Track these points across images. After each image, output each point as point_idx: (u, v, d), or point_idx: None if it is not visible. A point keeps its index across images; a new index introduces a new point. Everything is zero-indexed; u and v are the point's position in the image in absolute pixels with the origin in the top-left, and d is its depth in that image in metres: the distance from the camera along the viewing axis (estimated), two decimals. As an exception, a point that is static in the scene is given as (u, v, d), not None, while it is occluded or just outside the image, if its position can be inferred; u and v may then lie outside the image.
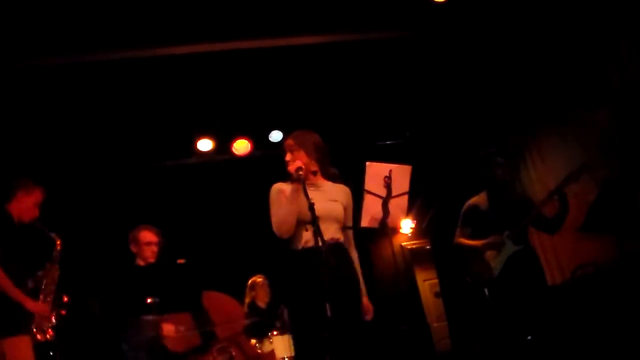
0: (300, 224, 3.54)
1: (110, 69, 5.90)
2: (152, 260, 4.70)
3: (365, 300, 3.73)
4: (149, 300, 4.28)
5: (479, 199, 5.17)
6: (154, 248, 4.73)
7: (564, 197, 4.78)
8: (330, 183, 3.81)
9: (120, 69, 5.92)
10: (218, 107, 6.93)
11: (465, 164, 5.93)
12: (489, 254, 4.91)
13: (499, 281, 4.84)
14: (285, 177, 3.76)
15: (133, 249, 4.76)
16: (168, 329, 4.38)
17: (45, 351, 4.33)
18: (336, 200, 3.72)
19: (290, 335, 6.16)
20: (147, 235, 4.74)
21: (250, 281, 6.91)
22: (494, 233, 4.91)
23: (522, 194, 5.23)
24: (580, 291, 4.89)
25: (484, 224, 5.01)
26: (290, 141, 3.76)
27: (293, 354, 6.04)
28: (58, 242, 4.50)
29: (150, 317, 4.33)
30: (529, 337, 4.66)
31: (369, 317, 3.69)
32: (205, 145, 7.39)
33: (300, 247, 3.57)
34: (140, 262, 4.72)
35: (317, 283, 3.18)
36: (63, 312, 4.13)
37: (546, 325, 4.68)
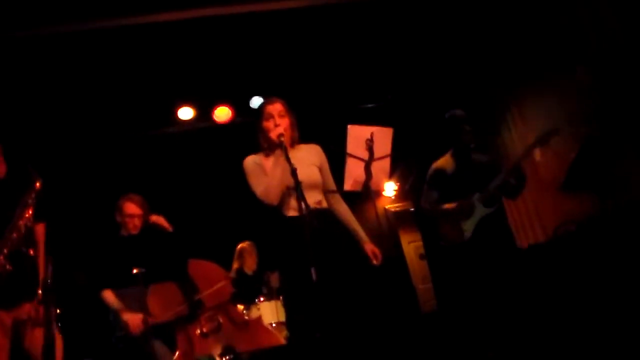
0: (284, 190, 3.53)
1: (87, 39, 5.81)
2: (134, 232, 4.66)
3: (368, 246, 3.74)
4: (135, 271, 4.27)
5: (444, 163, 5.15)
6: (137, 221, 4.68)
7: (519, 171, 4.82)
8: (300, 146, 3.78)
9: (97, 38, 5.83)
10: (197, 75, 6.87)
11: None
12: (460, 217, 4.93)
13: (471, 244, 4.88)
14: (256, 148, 3.75)
15: (117, 218, 4.73)
16: (134, 324, 4.36)
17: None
18: (311, 165, 3.71)
19: (277, 301, 6.21)
20: (130, 207, 4.70)
21: (238, 248, 6.93)
22: (461, 196, 4.93)
23: (488, 157, 5.22)
24: (563, 249, 4.94)
25: (450, 188, 5.02)
26: (279, 106, 3.69)
27: (280, 320, 6.10)
28: (37, 184, 3.77)
29: (135, 288, 4.34)
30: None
31: (376, 261, 3.70)
32: (186, 113, 7.35)
33: (285, 212, 3.58)
34: (124, 233, 4.70)
35: (304, 249, 3.18)
36: (9, 267, 3.73)
37: (524, 286, 4.73)
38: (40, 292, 3.65)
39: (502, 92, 7.08)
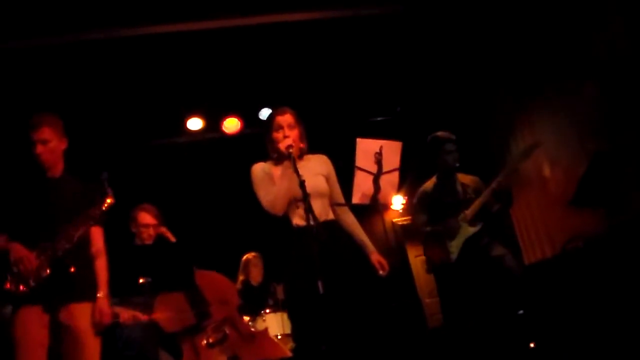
0: (291, 202, 3.54)
1: (98, 49, 5.85)
2: (148, 242, 4.69)
3: (375, 256, 3.73)
4: (141, 280, 4.27)
5: (430, 185, 5.21)
6: (151, 231, 4.72)
7: (504, 191, 4.84)
8: (308, 157, 3.80)
9: (109, 48, 5.87)
10: (207, 86, 6.90)
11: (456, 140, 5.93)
12: (446, 238, 4.94)
13: (458, 264, 4.88)
14: (265, 156, 3.76)
15: (132, 228, 4.75)
16: (125, 316, 4.38)
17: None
18: (318, 174, 3.72)
19: (283, 313, 6.19)
20: (146, 217, 4.73)
21: (243, 259, 6.92)
22: (447, 218, 4.94)
23: (474, 177, 5.25)
24: (571, 264, 4.92)
25: (437, 210, 5.04)
26: (289, 117, 3.69)
27: (286, 331, 6.08)
28: (108, 201, 3.68)
29: (141, 298, 4.34)
30: (520, 312, 4.70)
31: (383, 272, 3.69)
32: (195, 124, 7.37)
33: (292, 225, 3.57)
34: (138, 242, 4.72)
35: (310, 261, 3.19)
36: (48, 271, 3.38)
37: (531, 301, 4.72)
38: (99, 295, 3.61)
39: (511, 106, 7.07)
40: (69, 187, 3.74)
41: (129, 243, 4.74)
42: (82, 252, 3.62)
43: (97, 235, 3.77)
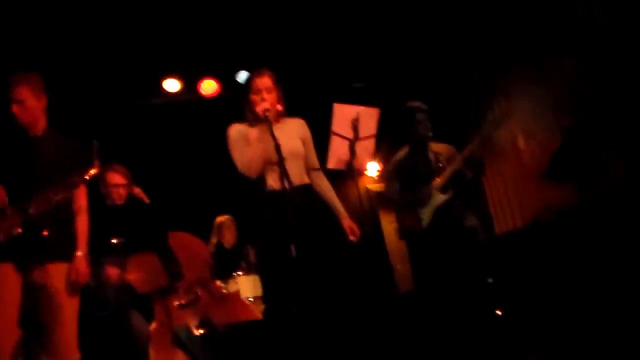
0: (266, 164, 3.54)
1: (76, 6, 5.75)
2: (119, 202, 4.65)
3: (346, 222, 3.78)
4: (114, 241, 4.26)
5: (403, 154, 5.21)
6: (122, 191, 4.66)
7: (476, 160, 4.88)
8: (285, 119, 3.79)
9: (86, 6, 5.77)
10: (185, 47, 6.82)
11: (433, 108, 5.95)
12: (418, 205, 4.98)
13: (429, 232, 4.93)
14: (242, 117, 3.74)
15: (102, 189, 4.69)
16: (114, 275, 4.37)
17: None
18: (295, 137, 3.72)
19: (256, 276, 6.22)
20: (115, 177, 4.67)
21: (217, 221, 6.91)
22: (420, 185, 4.98)
23: (446, 146, 5.28)
24: (542, 236, 4.99)
25: (409, 178, 5.07)
26: (268, 80, 3.68)
27: (258, 294, 6.11)
28: (92, 171, 3.50)
29: (115, 258, 4.33)
30: (490, 280, 4.77)
31: (354, 238, 3.74)
32: (172, 85, 7.29)
33: (267, 188, 3.57)
34: (109, 203, 4.68)
35: (284, 224, 3.20)
36: (19, 229, 3.37)
37: (499, 269, 4.79)
38: (77, 254, 3.61)
39: (489, 79, 7.08)
40: (51, 145, 3.71)
41: (101, 203, 4.69)
42: (61, 213, 3.59)
43: (81, 194, 3.75)
